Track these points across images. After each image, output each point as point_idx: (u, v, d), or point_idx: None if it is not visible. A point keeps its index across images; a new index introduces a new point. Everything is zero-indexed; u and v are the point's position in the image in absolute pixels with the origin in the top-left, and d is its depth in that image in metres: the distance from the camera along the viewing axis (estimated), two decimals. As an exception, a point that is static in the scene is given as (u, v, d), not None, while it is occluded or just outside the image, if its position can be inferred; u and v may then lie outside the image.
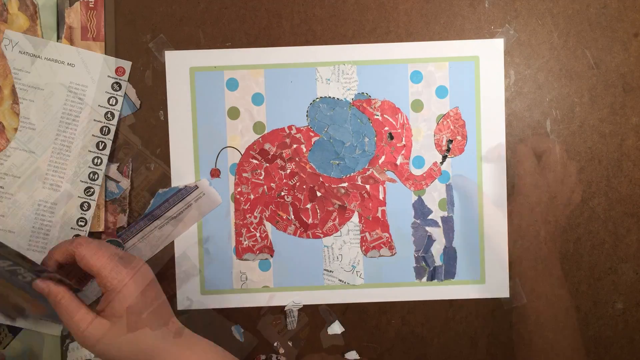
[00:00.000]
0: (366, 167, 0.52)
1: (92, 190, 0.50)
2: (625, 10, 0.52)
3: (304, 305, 0.53)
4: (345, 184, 0.52)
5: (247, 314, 0.53)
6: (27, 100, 0.49)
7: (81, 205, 0.50)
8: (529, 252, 0.53)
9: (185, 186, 0.51)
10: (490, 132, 0.52)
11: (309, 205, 0.52)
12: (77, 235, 0.50)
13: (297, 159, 0.52)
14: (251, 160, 0.52)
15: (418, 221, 0.53)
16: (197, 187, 0.51)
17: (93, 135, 0.50)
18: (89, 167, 0.50)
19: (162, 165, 0.51)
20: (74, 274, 0.46)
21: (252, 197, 0.52)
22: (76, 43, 0.50)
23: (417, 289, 0.53)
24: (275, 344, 0.53)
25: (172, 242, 0.52)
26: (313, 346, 0.53)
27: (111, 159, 0.51)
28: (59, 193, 0.50)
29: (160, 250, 0.51)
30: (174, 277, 0.52)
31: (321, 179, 0.52)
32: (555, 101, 0.52)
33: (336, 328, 0.53)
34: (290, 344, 0.53)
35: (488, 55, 0.52)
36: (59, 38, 0.50)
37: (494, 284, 0.53)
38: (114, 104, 0.50)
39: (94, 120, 0.50)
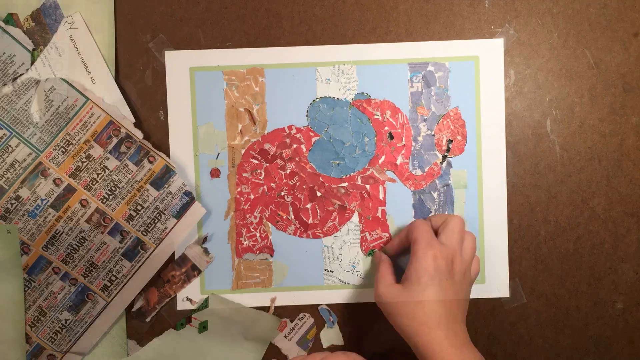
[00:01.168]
0: (366, 167, 0.52)
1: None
2: (625, 10, 0.52)
3: (304, 305, 0.53)
4: (345, 184, 0.52)
5: (247, 314, 0.53)
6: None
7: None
8: (529, 252, 0.53)
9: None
10: (490, 132, 0.52)
11: (309, 205, 0.52)
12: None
13: (297, 159, 0.52)
14: (251, 160, 0.52)
15: (418, 221, 0.53)
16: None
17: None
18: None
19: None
20: None
21: (252, 197, 0.52)
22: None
23: (417, 289, 0.53)
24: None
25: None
26: (313, 346, 0.53)
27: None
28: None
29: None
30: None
31: (321, 179, 0.52)
32: (555, 101, 0.52)
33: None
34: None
35: (488, 55, 0.52)
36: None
37: (494, 283, 0.53)
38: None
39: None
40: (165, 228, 0.51)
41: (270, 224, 0.53)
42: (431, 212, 0.52)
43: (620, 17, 0.52)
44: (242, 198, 0.52)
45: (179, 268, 0.52)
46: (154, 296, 0.52)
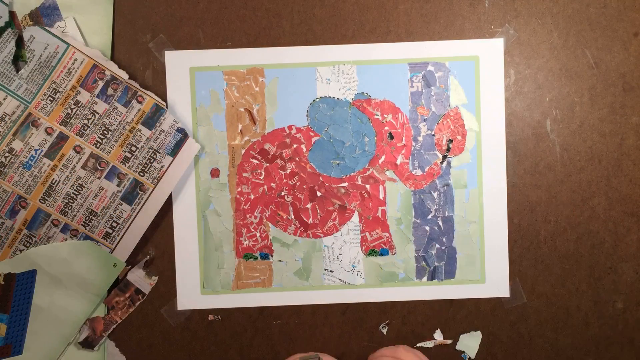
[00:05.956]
0: (366, 166, 0.52)
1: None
2: (625, 10, 0.52)
3: (304, 305, 0.53)
4: (345, 184, 0.52)
5: (247, 314, 0.53)
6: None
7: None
8: (529, 252, 0.53)
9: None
10: (490, 132, 0.52)
11: (309, 205, 0.52)
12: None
13: (297, 158, 0.52)
14: (251, 160, 0.52)
15: (418, 221, 0.53)
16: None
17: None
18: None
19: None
20: None
21: (252, 197, 0.52)
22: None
23: (417, 289, 0.53)
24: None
25: (172, 242, 0.52)
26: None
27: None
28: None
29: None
30: (174, 277, 0.52)
31: (321, 179, 0.52)
32: (555, 101, 0.52)
33: None
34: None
35: (488, 55, 0.52)
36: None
37: (494, 283, 0.53)
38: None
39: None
40: (162, 167, 0.51)
41: (270, 224, 0.53)
42: (431, 211, 0.52)
43: (620, 17, 0.52)
44: (242, 198, 0.52)
45: (122, 294, 0.52)
46: (100, 324, 0.51)
